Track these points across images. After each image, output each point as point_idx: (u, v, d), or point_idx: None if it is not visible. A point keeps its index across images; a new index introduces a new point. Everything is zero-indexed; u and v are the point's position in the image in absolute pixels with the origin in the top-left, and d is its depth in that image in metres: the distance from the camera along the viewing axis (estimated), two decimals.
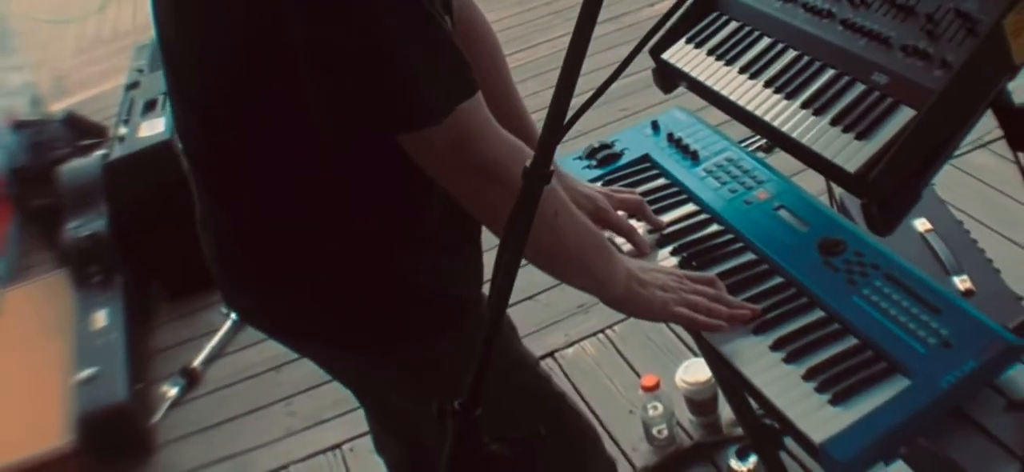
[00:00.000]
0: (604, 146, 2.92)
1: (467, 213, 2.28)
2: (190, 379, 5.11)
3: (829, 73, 2.37)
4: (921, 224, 3.06)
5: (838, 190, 3.21)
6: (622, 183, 2.76)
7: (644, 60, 2.86)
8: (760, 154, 2.79)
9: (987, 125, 2.28)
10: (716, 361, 2.67)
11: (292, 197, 2.25)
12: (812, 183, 2.75)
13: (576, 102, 1.65)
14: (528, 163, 1.67)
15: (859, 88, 2.28)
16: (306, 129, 2.12)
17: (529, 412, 2.55)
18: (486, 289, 2.44)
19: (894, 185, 2.11)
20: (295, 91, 2.05)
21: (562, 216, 2.21)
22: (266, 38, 2.03)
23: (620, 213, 2.60)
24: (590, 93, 1.68)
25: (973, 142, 4.04)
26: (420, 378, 2.40)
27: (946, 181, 4.23)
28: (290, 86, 2.05)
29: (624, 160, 2.87)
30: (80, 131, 6.98)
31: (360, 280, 2.32)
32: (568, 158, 2.92)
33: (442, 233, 2.33)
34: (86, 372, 4.83)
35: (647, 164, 2.83)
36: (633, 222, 2.59)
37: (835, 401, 2.03)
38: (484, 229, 2.38)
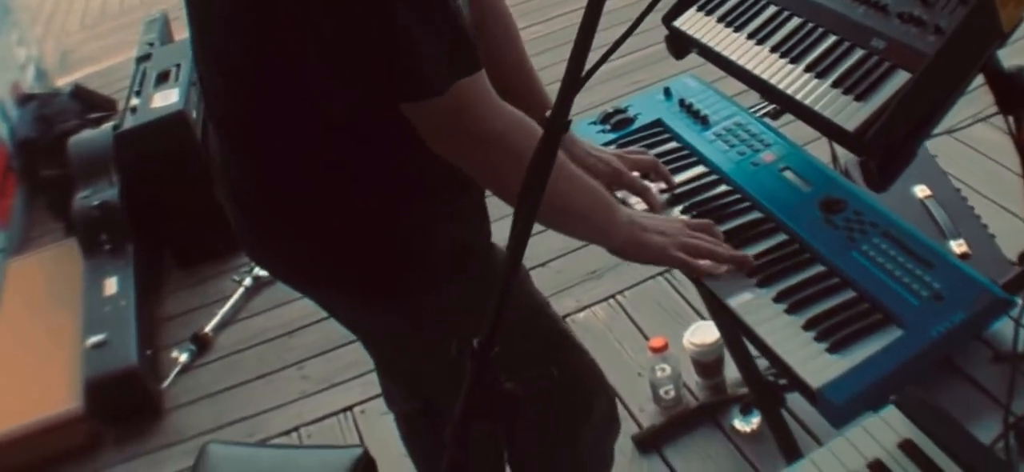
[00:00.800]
0: (618, 111, 3.06)
1: None
2: (201, 345, 5.23)
3: (831, 39, 2.55)
4: (921, 190, 3.19)
5: (842, 158, 3.37)
6: (635, 146, 2.89)
7: (656, 34, 3.03)
8: (767, 120, 2.93)
9: (986, 99, 2.44)
10: (721, 315, 2.80)
11: (305, 153, 2.39)
12: (819, 153, 2.91)
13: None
14: (548, 113, 1.78)
15: (858, 53, 2.46)
16: (320, 90, 2.26)
17: (541, 351, 2.69)
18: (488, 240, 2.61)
19: (890, 144, 2.27)
20: (311, 53, 2.20)
21: (561, 177, 2.32)
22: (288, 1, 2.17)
23: (634, 173, 2.74)
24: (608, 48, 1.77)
25: (973, 116, 4.11)
26: (425, 327, 2.53)
27: (947, 153, 4.36)
28: (307, 48, 2.19)
29: (637, 125, 3.00)
30: (88, 104, 7.10)
31: (368, 232, 2.46)
32: (583, 123, 3.05)
33: (448, 186, 2.46)
34: (96, 338, 4.94)
35: (659, 128, 2.97)
36: (646, 182, 2.73)
37: (833, 349, 2.18)
38: None
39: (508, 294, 1.88)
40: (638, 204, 2.70)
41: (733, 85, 2.87)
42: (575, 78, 1.71)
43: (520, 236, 1.85)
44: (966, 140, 4.53)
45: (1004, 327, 2.25)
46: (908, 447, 2.01)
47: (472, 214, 2.60)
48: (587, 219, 2.46)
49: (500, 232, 2.60)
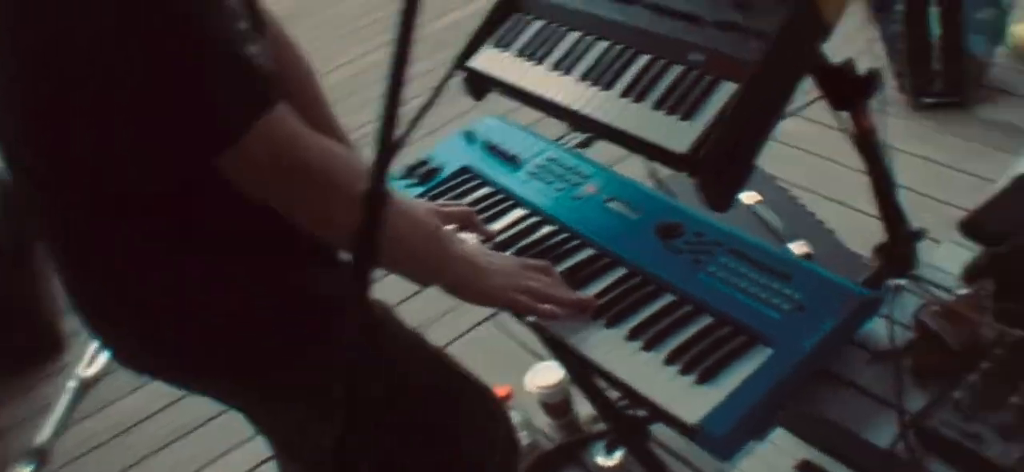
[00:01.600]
0: (421, 163, 2.80)
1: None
2: (40, 459, 4.72)
3: (644, 59, 2.26)
4: (748, 197, 2.99)
5: (662, 173, 3.12)
6: (446, 197, 2.65)
7: (440, 73, 2.76)
8: (578, 150, 2.72)
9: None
10: (569, 359, 2.56)
11: (125, 234, 2.09)
12: (633, 171, 2.69)
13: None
14: (366, 186, 1.51)
15: (677, 69, 2.17)
16: (120, 166, 1.97)
17: (438, 378, 2.50)
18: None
19: (726, 159, 2.03)
20: (102, 130, 1.92)
21: (392, 217, 2.08)
22: (62, 72, 1.89)
23: (450, 227, 2.44)
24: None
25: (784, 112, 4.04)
26: (304, 396, 2.23)
27: (764, 154, 4.22)
28: (96, 125, 1.92)
29: (444, 174, 2.74)
30: None
31: (210, 304, 2.15)
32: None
33: (279, 244, 2.16)
34: None
35: (467, 175, 2.71)
36: (465, 235, 2.45)
37: (702, 380, 1.97)
38: None
39: (354, 393, 1.57)
40: None
41: (527, 115, 2.61)
42: (388, 145, 1.45)
43: (355, 328, 1.58)
44: (780, 137, 4.39)
45: (876, 326, 2.08)
46: (807, 468, 1.81)
47: (321, 267, 2.28)
48: (418, 258, 2.19)
49: None
